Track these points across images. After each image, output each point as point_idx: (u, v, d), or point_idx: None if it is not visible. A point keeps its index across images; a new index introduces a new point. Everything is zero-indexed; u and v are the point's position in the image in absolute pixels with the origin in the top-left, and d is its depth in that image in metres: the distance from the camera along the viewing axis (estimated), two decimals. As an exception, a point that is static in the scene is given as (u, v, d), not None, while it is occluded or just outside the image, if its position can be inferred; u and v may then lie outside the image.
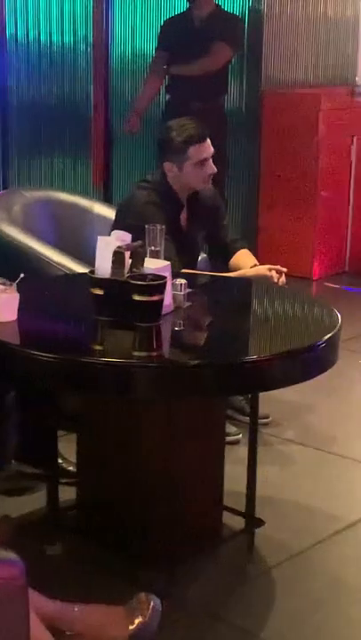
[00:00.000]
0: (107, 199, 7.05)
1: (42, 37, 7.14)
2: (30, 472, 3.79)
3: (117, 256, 3.07)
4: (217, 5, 6.60)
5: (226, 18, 6.65)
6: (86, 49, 7.28)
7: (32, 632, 2.16)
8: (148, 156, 7.13)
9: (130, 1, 7.30)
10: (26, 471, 3.79)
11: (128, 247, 3.12)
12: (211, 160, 4.13)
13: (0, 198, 4.74)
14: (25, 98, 7.23)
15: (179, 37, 6.52)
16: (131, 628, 2.81)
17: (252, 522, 3.56)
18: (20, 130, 7.29)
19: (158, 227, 3.39)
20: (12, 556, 2.08)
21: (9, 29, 7.04)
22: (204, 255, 4.54)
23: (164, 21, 6.80)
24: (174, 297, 3.28)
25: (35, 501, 3.69)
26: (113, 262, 3.07)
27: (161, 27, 6.76)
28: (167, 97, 6.68)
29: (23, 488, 3.78)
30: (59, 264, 4.24)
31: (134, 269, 3.11)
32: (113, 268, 3.07)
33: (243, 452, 3.81)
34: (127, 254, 3.09)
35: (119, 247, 3.09)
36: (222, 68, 6.53)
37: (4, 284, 3.15)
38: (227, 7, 6.95)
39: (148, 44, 7.12)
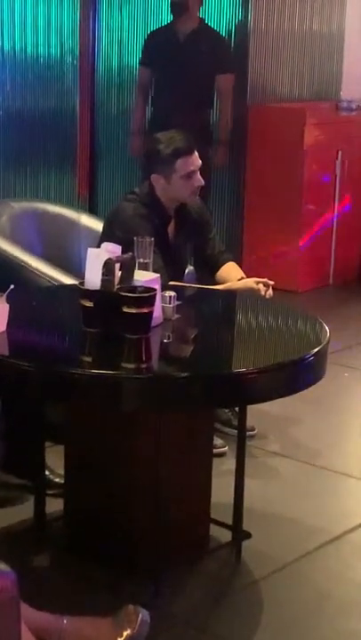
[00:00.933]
0: (92, 211, 7.03)
1: (28, 49, 7.13)
2: (16, 483, 3.78)
3: (107, 268, 3.07)
4: (201, 20, 6.62)
5: (213, 36, 6.66)
6: (73, 61, 7.27)
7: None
8: (133, 169, 7.13)
9: (117, 14, 7.30)
10: (12, 482, 3.79)
11: (118, 259, 3.12)
12: (198, 172, 4.15)
13: (-13, 210, 4.74)
14: (11, 109, 7.20)
15: (163, 53, 6.54)
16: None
17: (239, 534, 3.56)
18: (6, 141, 7.26)
19: (147, 239, 3.40)
20: (2, 566, 2.08)
21: (-5, 41, 7.03)
22: (191, 267, 4.55)
23: (148, 35, 6.80)
24: (163, 309, 3.29)
25: (21, 512, 3.68)
26: (103, 274, 3.07)
27: (144, 41, 6.77)
28: (152, 110, 6.70)
29: (9, 499, 3.78)
30: (46, 275, 4.24)
31: (124, 281, 3.11)
32: (103, 279, 3.08)
33: (229, 464, 3.82)
34: (117, 266, 3.10)
35: (109, 259, 3.09)
36: (208, 82, 6.54)
37: (-7, 295, 3.15)
38: (213, 21, 6.98)
39: (135, 57, 7.13)
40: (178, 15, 6.50)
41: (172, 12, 6.55)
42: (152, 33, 6.79)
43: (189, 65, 6.41)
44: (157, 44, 6.61)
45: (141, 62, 6.75)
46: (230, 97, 6.67)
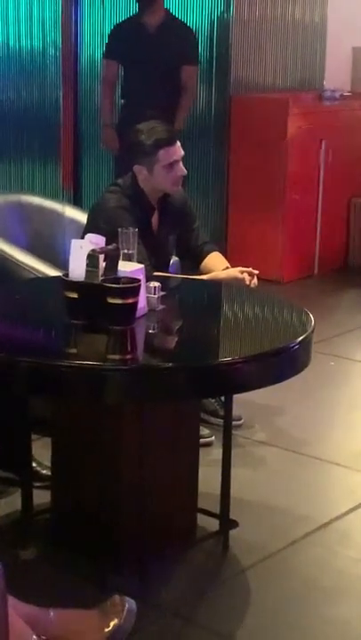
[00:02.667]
0: (76, 202, 7.04)
1: (10, 42, 7.13)
2: (3, 476, 3.78)
3: (91, 259, 3.07)
4: (167, 11, 6.62)
5: (181, 28, 6.66)
6: (55, 53, 7.27)
7: (12, 628, 2.16)
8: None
9: (99, 5, 7.29)
10: (-1, 475, 3.79)
11: (102, 250, 3.12)
12: (181, 162, 4.14)
13: (-29, 202, 4.73)
14: (-6, 102, 7.22)
15: (131, 46, 6.52)
16: (106, 630, 2.80)
17: (226, 524, 3.57)
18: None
19: (131, 230, 3.40)
20: (-11, 558, 2.08)
21: (-22, 34, 7.03)
22: (176, 258, 4.54)
23: (113, 29, 6.78)
24: (148, 300, 3.29)
25: (8, 505, 3.68)
26: (87, 265, 3.07)
27: (109, 34, 6.75)
28: (122, 102, 6.69)
29: (-4, 492, 3.78)
30: (30, 267, 4.23)
31: (108, 272, 3.11)
32: (87, 271, 3.07)
33: (216, 454, 3.82)
34: (101, 257, 3.09)
35: (93, 250, 3.09)
36: (177, 73, 6.53)
37: (-23, 287, 3.15)
38: (195, 11, 6.99)
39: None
40: (145, 7, 6.50)
41: (140, 3, 6.54)
42: (117, 26, 6.78)
43: (160, 57, 6.42)
44: (125, 37, 6.59)
45: (106, 56, 6.73)
46: (192, 88, 6.67)
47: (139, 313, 3.12)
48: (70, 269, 3.17)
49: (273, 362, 3.11)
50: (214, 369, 3.03)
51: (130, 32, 6.59)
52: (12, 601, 2.54)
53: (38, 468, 3.76)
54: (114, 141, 6.56)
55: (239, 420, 4.47)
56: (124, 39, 6.59)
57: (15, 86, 7.27)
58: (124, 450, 3.32)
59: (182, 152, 4.15)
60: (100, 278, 3.08)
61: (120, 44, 6.61)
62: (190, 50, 6.66)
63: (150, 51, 6.42)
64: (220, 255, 4.42)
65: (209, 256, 4.37)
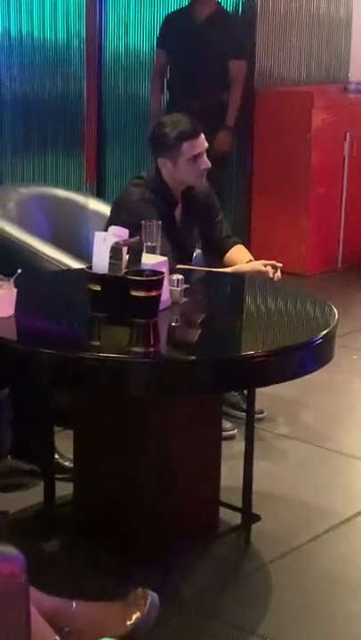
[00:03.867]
0: (99, 195, 7.03)
1: (35, 33, 7.12)
2: (26, 468, 3.79)
3: (115, 252, 3.06)
4: (218, 4, 6.61)
5: (229, 21, 6.66)
6: (79, 45, 7.26)
7: (34, 627, 2.16)
8: (140, 153, 7.12)
9: (123, -3, 7.30)
10: (21, 467, 3.79)
11: (125, 243, 3.12)
12: (205, 155, 4.13)
13: (-5, 194, 4.73)
14: (18, 94, 7.19)
15: (179, 36, 6.53)
16: (129, 623, 2.80)
17: (249, 517, 3.56)
18: (13, 126, 7.26)
19: (155, 222, 3.39)
20: (12, 551, 2.08)
21: (2, 25, 7.00)
22: (199, 251, 4.54)
23: (165, 18, 6.80)
24: (171, 293, 3.28)
25: (30, 497, 3.69)
26: (110, 258, 3.07)
27: (162, 24, 6.76)
28: (167, 93, 6.68)
29: (19, 484, 3.78)
30: (54, 260, 4.23)
31: (131, 265, 3.11)
32: (110, 263, 3.07)
33: (238, 447, 3.82)
34: (125, 250, 3.09)
35: (117, 243, 3.08)
36: (223, 67, 6.51)
37: (1, 279, 3.15)
38: (222, 4, 6.97)
39: (142, 41, 7.12)
40: None
41: None
42: (169, 15, 6.79)
43: (205, 49, 6.40)
44: (174, 27, 6.60)
45: (158, 44, 6.74)
46: (242, 83, 6.65)
47: (162, 306, 3.11)
48: (94, 262, 3.16)
49: (296, 355, 3.10)
50: (237, 362, 3.02)
51: (178, 22, 6.59)
52: (34, 593, 2.54)
53: (60, 460, 3.76)
54: None
55: (262, 413, 4.46)
56: (172, 29, 6.59)
57: (39, 78, 7.26)
58: (146, 442, 3.31)
59: (206, 145, 4.14)
60: (124, 271, 3.07)
61: (168, 34, 6.60)
62: (237, 43, 6.62)
63: (197, 42, 6.41)
64: (244, 248, 4.41)
65: (232, 249, 4.36)
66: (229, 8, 7.04)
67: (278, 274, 4.13)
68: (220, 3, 6.68)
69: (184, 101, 6.11)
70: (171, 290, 3.28)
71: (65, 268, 4.17)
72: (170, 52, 6.60)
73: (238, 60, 6.57)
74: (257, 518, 3.57)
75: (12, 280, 3.15)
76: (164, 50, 6.65)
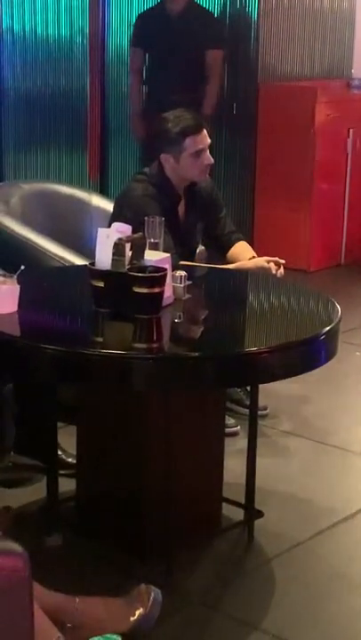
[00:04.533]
0: (103, 191, 7.04)
1: (38, 29, 7.13)
2: (29, 463, 3.79)
3: (118, 248, 3.07)
4: None
5: (203, 14, 6.71)
6: (82, 41, 7.27)
7: (36, 622, 2.16)
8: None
9: (126, -7, 7.30)
10: (25, 462, 3.80)
11: (128, 239, 3.12)
12: (208, 151, 4.13)
13: (-2, 190, 4.73)
14: (21, 90, 7.21)
15: (155, 33, 6.57)
16: (132, 619, 2.81)
17: (252, 513, 3.57)
18: (16, 122, 7.27)
19: (158, 219, 3.39)
20: (15, 546, 2.08)
21: (5, 21, 7.02)
22: (202, 247, 4.54)
23: (138, 17, 6.84)
24: (174, 289, 3.28)
25: (34, 493, 3.69)
26: (113, 254, 3.07)
27: (135, 22, 6.80)
28: (145, 89, 6.71)
29: (22, 479, 3.79)
30: (57, 256, 4.23)
31: (134, 261, 3.11)
32: (113, 259, 3.07)
33: (241, 443, 3.82)
34: (127, 246, 3.09)
35: (119, 239, 3.09)
36: (201, 60, 6.55)
37: (4, 275, 3.15)
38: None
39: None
40: None
41: None
42: (141, 14, 6.85)
43: (182, 44, 6.47)
44: (149, 25, 6.67)
45: (133, 44, 6.78)
46: (219, 72, 6.72)
47: (165, 302, 3.12)
48: (97, 258, 3.17)
49: (299, 352, 3.10)
50: (240, 358, 3.02)
51: (154, 20, 6.64)
52: (37, 589, 2.55)
53: (63, 456, 3.77)
54: (142, 129, 6.58)
55: (265, 409, 4.46)
56: (147, 27, 6.65)
57: (43, 74, 7.28)
58: (149, 438, 3.32)
59: (209, 140, 4.14)
60: (127, 267, 3.07)
61: (145, 32, 6.65)
62: (214, 34, 6.70)
63: (174, 38, 6.47)
64: (247, 244, 4.41)
65: (235, 245, 4.36)
66: (233, 1, 7.05)
67: (281, 270, 4.13)
68: None
69: (163, 96, 6.15)
70: (174, 286, 3.28)
71: (68, 264, 4.17)
72: (148, 49, 6.66)
73: (215, 50, 6.62)
74: (260, 514, 3.58)
75: (15, 276, 3.15)
76: (139, 48, 6.70)
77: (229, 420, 4.20)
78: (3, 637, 2.08)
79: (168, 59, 6.49)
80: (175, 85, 6.29)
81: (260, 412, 3.98)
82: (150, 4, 6.93)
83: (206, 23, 6.65)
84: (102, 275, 3.09)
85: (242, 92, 7.20)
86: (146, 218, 3.41)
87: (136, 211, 3.91)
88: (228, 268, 4.17)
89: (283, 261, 4.14)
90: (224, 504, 3.60)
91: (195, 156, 4.09)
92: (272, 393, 4.39)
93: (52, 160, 7.39)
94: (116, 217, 4.03)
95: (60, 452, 3.72)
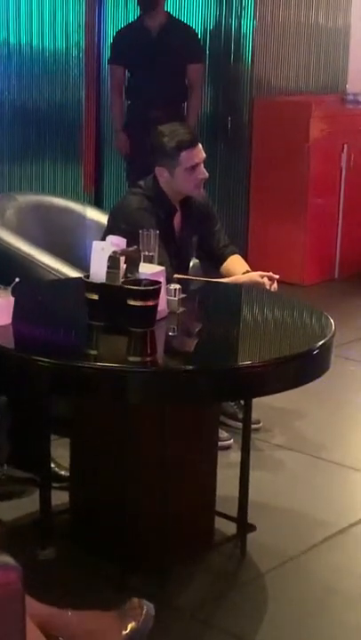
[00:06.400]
0: (97, 204, 7.04)
1: (34, 43, 7.14)
2: (22, 476, 3.79)
3: (113, 261, 3.07)
4: (169, 14, 6.69)
5: (183, 29, 6.73)
6: (78, 54, 7.28)
7: (28, 636, 2.16)
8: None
9: (122, 7, 7.31)
10: (18, 475, 3.79)
11: (123, 252, 3.12)
12: (202, 165, 4.14)
13: (-7, 202, 4.74)
14: (17, 103, 7.21)
15: (136, 50, 6.59)
16: (124, 633, 2.80)
17: (244, 527, 3.56)
18: (12, 134, 7.27)
19: (152, 232, 3.39)
20: (8, 560, 2.08)
21: (1, 34, 7.02)
22: (197, 260, 4.54)
23: (117, 33, 6.85)
24: (168, 302, 3.29)
25: (27, 506, 3.69)
26: (108, 267, 3.07)
27: (113, 39, 6.84)
28: (128, 103, 6.74)
29: (15, 492, 3.78)
30: (52, 268, 4.24)
31: (129, 274, 3.11)
32: (108, 272, 3.08)
33: (234, 457, 3.82)
34: (122, 259, 3.10)
35: (114, 252, 3.09)
36: (182, 74, 6.60)
37: (-2, 288, 3.16)
38: (220, 14, 7.02)
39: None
40: (146, 11, 6.58)
41: (141, 7, 6.64)
42: (120, 31, 6.87)
43: (164, 58, 6.50)
44: (129, 41, 6.68)
45: (112, 61, 6.80)
46: (199, 86, 6.77)
47: (159, 315, 3.12)
48: (91, 271, 3.17)
49: (293, 366, 3.11)
50: (234, 372, 3.03)
51: (133, 37, 6.67)
52: (29, 602, 2.54)
53: (57, 469, 3.76)
54: (126, 145, 6.62)
55: (258, 423, 4.46)
56: (127, 44, 6.67)
57: (38, 87, 7.28)
58: (143, 451, 3.32)
59: (204, 155, 4.15)
60: (121, 280, 3.08)
61: (124, 49, 6.68)
62: (194, 48, 6.75)
63: (154, 54, 6.50)
64: (241, 258, 4.42)
65: (230, 259, 4.37)
66: (230, 17, 7.08)
67: (275, 285, 4.13)
68: (169, 12, 6.75)
69: (145, 111, 6.19)
70: (168, 299, 3.29)
71: (63, 276, 4.18)
72: (129, 65, 6.68)
73: (195, 65, 6.67)
74: (253, 528, 3.58)
75: (9, 288, 3.15)
76: (119, 65, 6.72)
77: (223, 434, 4.20)
78: (-5, 650, 2.08)
79: (149, 74, 6.51)
80: (157, 100, 6.33)
81: (253, 426, 3.98)
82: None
83: (186, 37, 6.69)
84: (97, 287, 3.10)
85: (237, 107, 7.22)
86: (141, 231, 3.41)
87: (131, 223, 3.91)
88: (223, 282, 4.17)
89: (276, 276, 4.15)
90: (217, 517, 3.60)
91: (190, 170, 4.09)
92: (265, 406, 4.39)
93: (46, 172, 7.39)
94: (110, 229, 4.02)
95: (53, 465, 3.72)
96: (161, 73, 6.48)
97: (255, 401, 3.64)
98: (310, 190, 7.10)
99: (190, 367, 3.07)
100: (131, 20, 7.13)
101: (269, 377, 3.05)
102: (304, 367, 3.14)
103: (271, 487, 4.02)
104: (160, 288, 3.07)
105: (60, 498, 3.59)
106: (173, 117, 5.74)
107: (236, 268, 4.32)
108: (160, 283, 3.09)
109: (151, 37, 6.56)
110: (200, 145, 4.13)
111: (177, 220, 4.23)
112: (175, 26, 6.67)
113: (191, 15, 7.18)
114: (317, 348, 3.13)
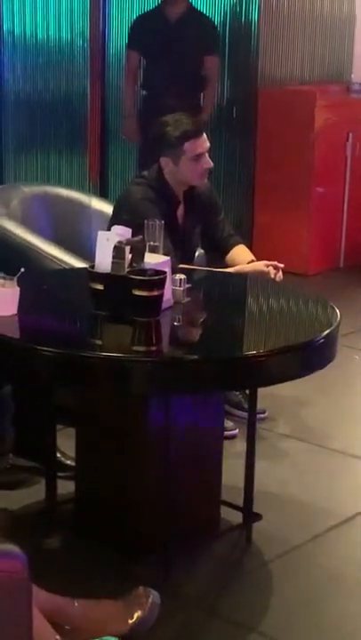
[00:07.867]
0: (103, 194, 7.04)
1: (39, 33, 7.13)
2: (28, 465, 3.80)
3: (118, 251, 3.07)
4: (189, 4, 6.67)
5: (201, 20, 6.72)
6: (83, 44, 7.27)
7: (35, 625, 2.17)
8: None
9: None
10: (23, 464, 3.80)
11: (128, 242, 3.12)
12: (207, 155, 4.14)
13: (-2, 193, 4.74)
14: (21, 93, 7.21)
15: (153, 37, 6.59)
16: (130, 622, 2.81)
17: (250, 516, 3.57)
18: (17, 125, 7.27)
19: (157, 222, 3.40)
20: (14, 548, 2.08)
21: (6, 24, 7.02)
22: (201, 250, 4.54)
23: (135, 20, 6.85)
24: (174, 292, 3.29)
25: (32, 495, 3.70)
26: (113, 257, 3.08)
27: (132, 26, 6.82)
28: (143, 92, 6.73)
29: (20, 481, 3.79)
30: (57, 258, 4.24)
31: (134, 264, 3.12)
32: (113, 262, 3.08)
33: (240, 446, 3.83)
34: (127, 249, 3.10)
35: (119, 242, 3.09)
36: (198, 65, 6.59)
37: (4, 278, 3.16)
38: (224, 3, 7.01)
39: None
40: None
41: None
42: (140, 17, 6.85)
43: (180, 48, 6.49)
44: (147, 29, 6.67)
45: (130, 46, 6.79)
46: (215, 78, 6.77)
47: (164, 305, 3.12)
48: (96, 261, 3.17)
49: (298, 355, 3.11)
50: (239, 362, 3.03)
51: (152, 23, 6.66)
52: (35, 591, 2.55)
53: (62, 459, 3.77)
54: (135, 133, 6.62)
55: (263, 412, 4.47)
56: (145, 30, 6.66)
57: (43, 77, 7.28)
58: (148, 441, 3.32)
59: (208, 144, 4.15)
60: (126, 270, 3.08)
61: (142, 36, 6.67)
62: (212, 41, 6.73)
63: (172, 42, 6.49)
64: (246, 248, 4.42)
65: (234, 249, 4.37)
66: (232, 5, 7.07)
67: (280, 274, 4.13)
68: (190, 2, 6.73)
69: (161, 100, 6.16)
70: (173, 289, 3.29)
71: (68, 267, 4.18)
72: (145, 53, 6.68)
73: (212, 57, 6.66)
74: (258, 517, 3.58)
75: (15, 279, 3.15)
76: (136, 51, 6.72)
77: (228, 423, 4.20)
78: (2, 639, 2.09)
79: (166, 63, 6.50)
80: (173, 90, 6.31)
81: (258, 416, 3.99)
82: (151, 7, 6.94)
83: (205, 29, 6.67)
84: (102, 277, 3.10)
85: (242, 96, 7.22)
86: (145, 221, 3.42)
87: (135, 214, 3.91)
88: (228, 272, 4.17)
89: (281, 265, 4.15)
90: (222, 507, 3.61)
91: (194, 160, 4.09)
92: (271, 396, 4.39)
93: (52, 163, 7.39)
94: (115, 220, 4.03)
95: (58, 455, 3.73)
96: (176, 62, 6.46)
97: (260, 390, 3.65)
98: (315, 179, 7.10)
99: (195, 357, 3.07)
100: (135, 9, 7.12)
101: (274, 366, 3.04)
102: (309, 357, 3.14)
103: (277, 476, 4.02)
104: (165, 278, 3.08)
105: (65, 487, 3.60)
106: (188, 107, 5.75)
107: (241, 257, 4.32)
108: (165, 273, 3.09)
109: (169, 25, 6.55)
110: (204, 135, 4.13)
111: (181, 210, 4.23)
112: (195, 16, 6.65)
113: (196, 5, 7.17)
114: (323, 338, 3.13)
